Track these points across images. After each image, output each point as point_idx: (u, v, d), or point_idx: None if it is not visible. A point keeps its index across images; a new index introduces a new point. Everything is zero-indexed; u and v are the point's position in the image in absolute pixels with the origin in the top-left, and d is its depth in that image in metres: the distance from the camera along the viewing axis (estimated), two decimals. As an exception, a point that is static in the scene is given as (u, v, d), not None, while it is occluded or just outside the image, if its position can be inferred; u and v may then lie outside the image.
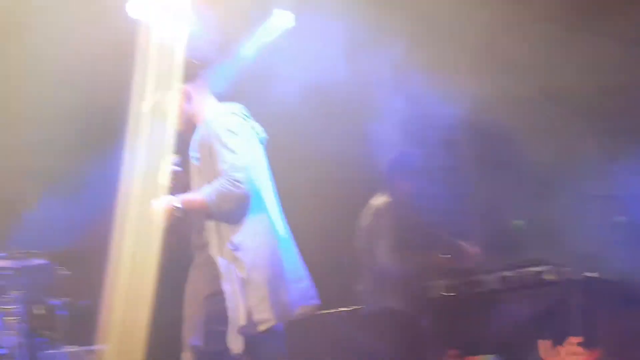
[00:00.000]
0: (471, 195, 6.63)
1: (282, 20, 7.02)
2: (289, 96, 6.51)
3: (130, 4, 6.56)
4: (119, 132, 6.63)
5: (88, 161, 6.81)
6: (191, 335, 3.74)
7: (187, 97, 3.87)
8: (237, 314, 3.55)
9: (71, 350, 5.93)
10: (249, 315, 3.55)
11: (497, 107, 6.00)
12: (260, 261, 3.63)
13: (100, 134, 6.66)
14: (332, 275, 6.05)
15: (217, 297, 3.64)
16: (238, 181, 3.55)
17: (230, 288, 3.57)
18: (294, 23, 6.96)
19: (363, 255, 5.37)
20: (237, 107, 3.89)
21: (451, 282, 5.30)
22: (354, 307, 5.83)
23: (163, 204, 3.65)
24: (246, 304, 3.55)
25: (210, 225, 3.70)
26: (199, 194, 3.63)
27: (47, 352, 5.87)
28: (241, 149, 3.65)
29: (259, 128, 3.97)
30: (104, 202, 6.56)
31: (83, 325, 6.07)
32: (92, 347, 6.08)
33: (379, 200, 5.47)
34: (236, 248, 3.60)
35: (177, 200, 3.63)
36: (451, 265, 5.39)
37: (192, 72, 3.88)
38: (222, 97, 4.11)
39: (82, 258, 6.35)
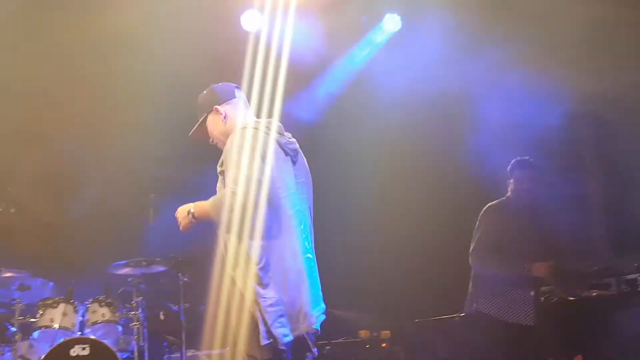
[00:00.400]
0: (592, 195, 6.35)
1: (391, 24, 7.00)
2: (400, 99, 6.46)
3: (245, 16, 6.76)
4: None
5: (204, 170, 6.99)
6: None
7: (224, 116, 4.04)
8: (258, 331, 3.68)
9: (191, 354, 6.07)
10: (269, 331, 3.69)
11: (615, 105, 5.72)
12: (277, 278, 3.75)
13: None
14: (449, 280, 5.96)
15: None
16: (234, 193, 3.67)
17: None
18: (400, 26, 6.92)
19: (478, 261, 5.21)
20: (264, 123, 3.95)
21: (574, 286, 5.07)
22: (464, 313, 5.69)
23: (183, 209, 3.90)
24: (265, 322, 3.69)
25: (222, 235, 3.85)
26: (207, 202, 3.85)
27: (168, 356, 6.04)
28: (245, 164, 3.74)
29: (289, 143, 4.04)
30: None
31: (202, 330, 6.23)
32: (211, 352, 6.25)
33: (496, 203, 5.29)
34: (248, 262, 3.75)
35: (193, 206, 3.87)
36: (572, 268, 5.15)
37: (229, 92, 4.10)
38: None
39: (201, 265, 6.52)
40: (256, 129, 3.86)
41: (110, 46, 6.51)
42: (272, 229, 3.76)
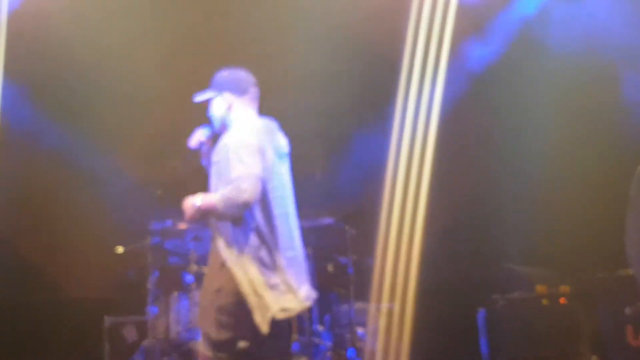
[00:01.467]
0: None
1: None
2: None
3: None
4: (393, 96, 6.67)
5: (367, 123, 6.90)
6: (204, 324, 4.07)
7: (229, 106, 4.19)
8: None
9: (359, 306, 6.02)
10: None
11: None
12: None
13: (376, 97, 6.70)
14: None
15: (223, 291, 3.99)
16: (242, 189, 3.85)
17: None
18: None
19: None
20: (264, 123, 4.17)
21: None
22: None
23: (190, 201, 4.07)
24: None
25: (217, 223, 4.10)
26: (213, 196, 4.01)
27: (336, 308, 6.03)
28: (251, 161, 3.93)
29: (283, 144, 4.28)
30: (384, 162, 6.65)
31: (370, 282, 6.18)
32: (378, 305, 6.18)
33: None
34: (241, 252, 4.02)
35: (199, 200, 4.02)
36: None
37: (244, 87, 4.22)
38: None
39: (369, 218, 6.45)
40: (259, 128, 4.08)
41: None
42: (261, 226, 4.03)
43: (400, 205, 6.50)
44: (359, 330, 5.98)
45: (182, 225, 6.18)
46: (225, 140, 4.09)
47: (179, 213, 6.09)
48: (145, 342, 6.01)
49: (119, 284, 6.68)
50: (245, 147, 3.97)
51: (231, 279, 3.98)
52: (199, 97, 4.22)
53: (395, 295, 6.21)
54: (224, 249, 4.07)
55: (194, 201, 4.02)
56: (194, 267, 6.11)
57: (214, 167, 4.15)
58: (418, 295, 6.25)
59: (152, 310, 6.06)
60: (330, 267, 6.18)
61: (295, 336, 5.63)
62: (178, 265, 6.38)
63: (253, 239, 4.02)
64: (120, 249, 6.18)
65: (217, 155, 4.09)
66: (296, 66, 6.67)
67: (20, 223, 6.82)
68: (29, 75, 6.55)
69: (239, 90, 4.19)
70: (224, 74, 4.23)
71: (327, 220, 6.26)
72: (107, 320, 6.19)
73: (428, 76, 6.55)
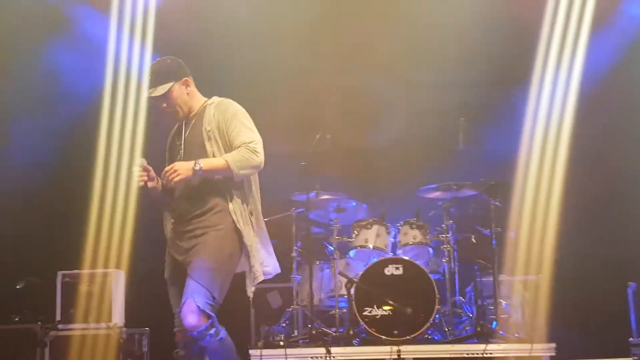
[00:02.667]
0: None
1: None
2: None
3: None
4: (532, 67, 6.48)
5: (512, 94, 6.76)
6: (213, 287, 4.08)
7: (189, 90, 4.30)
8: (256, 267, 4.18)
9: (503, 278, 5.95)
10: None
11: None
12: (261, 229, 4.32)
13: (517, 69, 6.55)
14: None
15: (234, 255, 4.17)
16: (257, 152, 4.11)
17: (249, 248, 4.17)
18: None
19: None
20: None
21: None
22: None
23: (187, 163, 4.09)
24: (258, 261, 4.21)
25: (225, 192, 4.16)
26: (221, 158, 4.10)
27: (479, 279, 5.98)
28: (255, 129, 4.22)
29: None
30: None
31: (513, 255, 6.07)
32: (522, 277, 6.07)
33: None
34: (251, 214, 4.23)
35: (200, 163, 4.05)
36: None
37: (189, 71, 4.30)
38: None
39: (512, 190, 6.34)
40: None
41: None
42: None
43: (549, 178, 6.39)
44: (503, 303, 5.91)
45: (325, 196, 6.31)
46: (219, 110, 4.23)
47: (323, 184, 6.31)
48: (290, 308, 6.20)
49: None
50: (247, 116, 4.24)
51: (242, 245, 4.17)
52: (161, 90, 4.21)
53: (541, 268, 6.09)
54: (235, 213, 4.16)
55: (192, 165, 4.05)
56: (335, 238, 6.23)
57: (203, 137, 4.19)
58: (564, 268, 6.10)
59: (296, 277, 6.24)
60: (473, 239, 6.13)
61: (437, 307, 5.63)
62: (320, 235, 6.53)
63: (253, 206, 4.25)
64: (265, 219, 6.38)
65: (209, 124, 4.20)
66: (437, 39, 6.61)
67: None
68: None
69: (188, 73, 4.31)
70: (171, 62, 4.28)
71: (469, 192, 6.21)
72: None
73: (568, 47, 6.36)
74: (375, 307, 5.70)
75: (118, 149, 6.62)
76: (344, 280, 5.93)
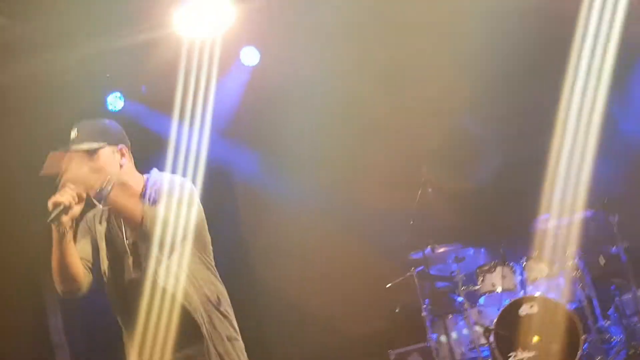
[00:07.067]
0: None
1: None
2: None
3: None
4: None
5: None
6: None
7: (122, 163, 3.40)
8: None
9: (641, 293, 5.74)
10: None
11: None
12: None
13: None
14: None
15: None
16: None
17: None
18: None
19: None
20: None
21: None
22: None
23: None
24: None
25: None
26: None
27: (619, 298, 5.78)
28: None
29: None
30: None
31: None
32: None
33: None
34: None
35: None
36: None
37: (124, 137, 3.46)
38: None
39: (631, 200, 6.15)
40: None
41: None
42: None
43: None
44: (650, 318, 5.69)
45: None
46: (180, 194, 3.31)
47: (436, 237, 6.29)
48: (434, 367, 6.14)
49: (392, 316, 6.86)
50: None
51: None
52: (86, 146, 3.31)
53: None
54: None
55: None
56: (461, 289, 6.17)
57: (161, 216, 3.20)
58: None
59: (432, 336, 6.18)
60: (601, 260, 5.95)
61: (583, 337, 5.45)
62: (446, 289, 6.48)
63: None
64: (388, 284, 6.41)
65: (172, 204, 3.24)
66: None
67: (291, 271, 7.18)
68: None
69: (125, 141, 3.45)
70: (109, 124, 3.46)
71: (586, 213, 6.05)
72: (392, 354, 6.42)
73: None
74: (519, 350, 5.57)
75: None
76: (481, 329, 5.86)
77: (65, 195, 3.07)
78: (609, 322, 6.01)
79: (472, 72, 6.63)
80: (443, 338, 6.05)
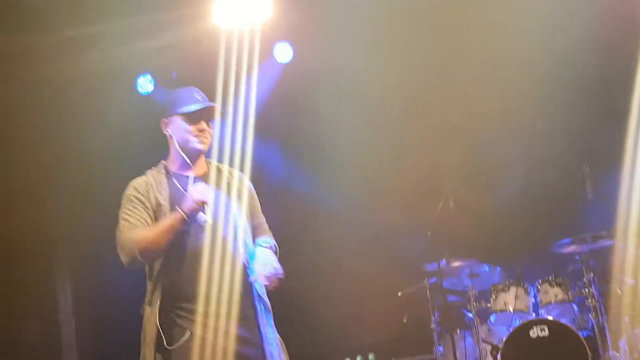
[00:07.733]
0: None
1: None
2: None
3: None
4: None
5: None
6: None
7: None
8: None
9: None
10: None
11: None
12: None
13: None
14: None
15: None
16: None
17: None
18: None
19: None
20: None
21: None
22: None
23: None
24: None
25: None
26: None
27: (631, 331, 5.70)
28: None
29: None
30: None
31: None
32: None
33: None
34: None
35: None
36: None
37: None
38: None
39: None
40: None
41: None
42: None
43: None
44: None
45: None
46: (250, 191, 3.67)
47: (452, 251, 6.24)
48: (436, 381, 6.10)
49: (401, 326, 6.83)
50: None
51: None
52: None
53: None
54: None
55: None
56: (473, 305, 6.12)
57: (228, 195, 3.53)
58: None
59: (438, 349, 6.14)
60: (618, 290, 5.87)
61: (593, 366, 5.40)
62: (457, 303, 6.43)
63: None
64: (399, 292, 6.36)
65: (239, 185, 3.59)
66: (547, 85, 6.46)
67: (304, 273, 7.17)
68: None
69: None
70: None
71: (607, 242, 5.95)
72: (396, 363, 6.40)
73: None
74: (525, 372, 5.53)
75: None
76: (488, 347, 5.80)
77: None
78: (619, 353, 5.93)
79: (504, 90, 6.61)
80: (449, 352, 6.00)
